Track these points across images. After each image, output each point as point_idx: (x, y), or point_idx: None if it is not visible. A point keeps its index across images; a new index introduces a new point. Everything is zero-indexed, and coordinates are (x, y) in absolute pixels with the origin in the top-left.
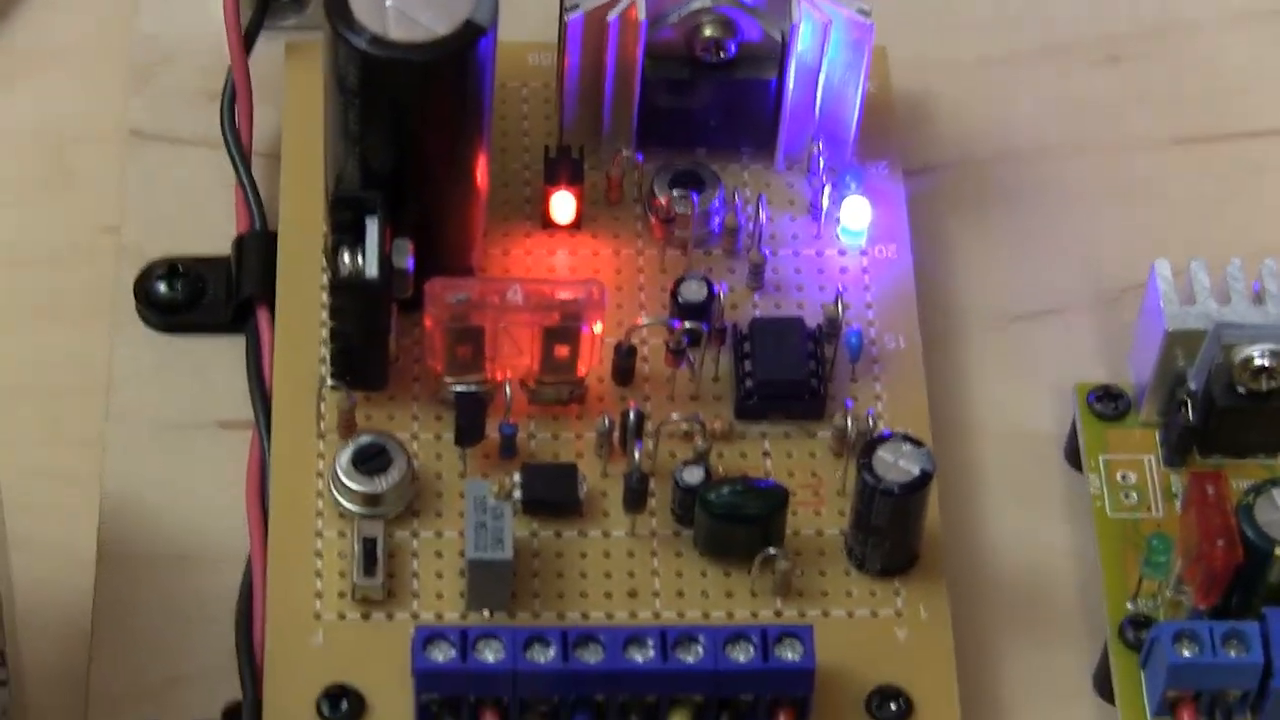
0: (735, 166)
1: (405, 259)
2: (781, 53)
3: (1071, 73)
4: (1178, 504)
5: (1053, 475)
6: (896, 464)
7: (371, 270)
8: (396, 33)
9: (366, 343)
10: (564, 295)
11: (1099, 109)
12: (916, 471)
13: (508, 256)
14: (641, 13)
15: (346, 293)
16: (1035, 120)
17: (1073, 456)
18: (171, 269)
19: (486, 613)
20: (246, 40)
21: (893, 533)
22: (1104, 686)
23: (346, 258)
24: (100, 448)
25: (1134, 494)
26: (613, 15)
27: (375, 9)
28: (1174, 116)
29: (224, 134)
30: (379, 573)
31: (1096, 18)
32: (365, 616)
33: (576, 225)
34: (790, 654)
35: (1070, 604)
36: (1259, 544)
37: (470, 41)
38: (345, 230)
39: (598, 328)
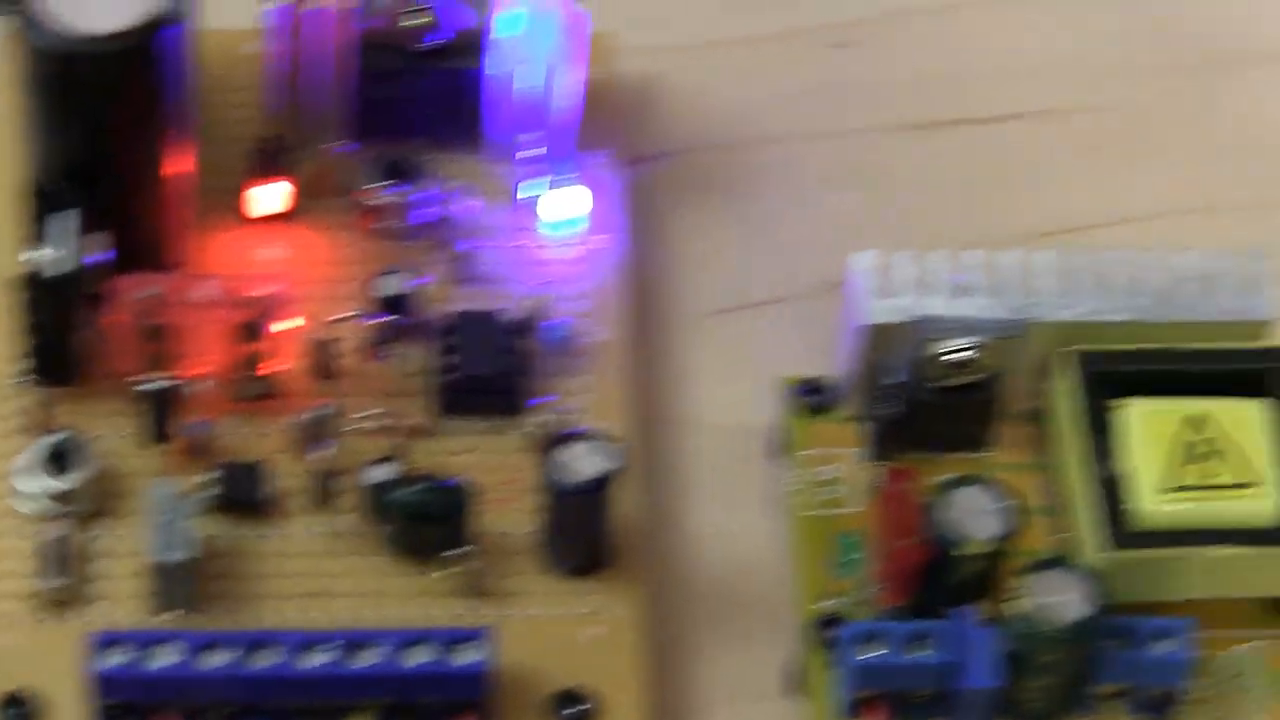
0: (447, 157)
1: (100, 253)
2: (489, 40)
3: (802, 58)
4: (873, 497)
5: (759, 470)
6: (580, 462)
7: (65, 265)
8: (82, 24)
9: (58, 338)
10: (255, 292)
11: (828, 95)
12: (599, 469)
13: (214, 250)
14: (345, 2)
15: (38, 287)
16: (763, 107)
17: (778, 450)
18: None
19: (173, 615)
20: None
21: (579, 531)
22: (797, 685)
23: (39, 251)
24: None
25: (831, 490)
26: (314, 5)
27: (62, 3)
28: (904, 102)
29: None
30: (65, 574)
31: (828, 1)
32: (50, 620)
33: (286, 217)
34: (469, 656)
35: (768, 602)
36: (943, 542)
37: (158, 34)
38: (40, 222)
39: (289, 325)
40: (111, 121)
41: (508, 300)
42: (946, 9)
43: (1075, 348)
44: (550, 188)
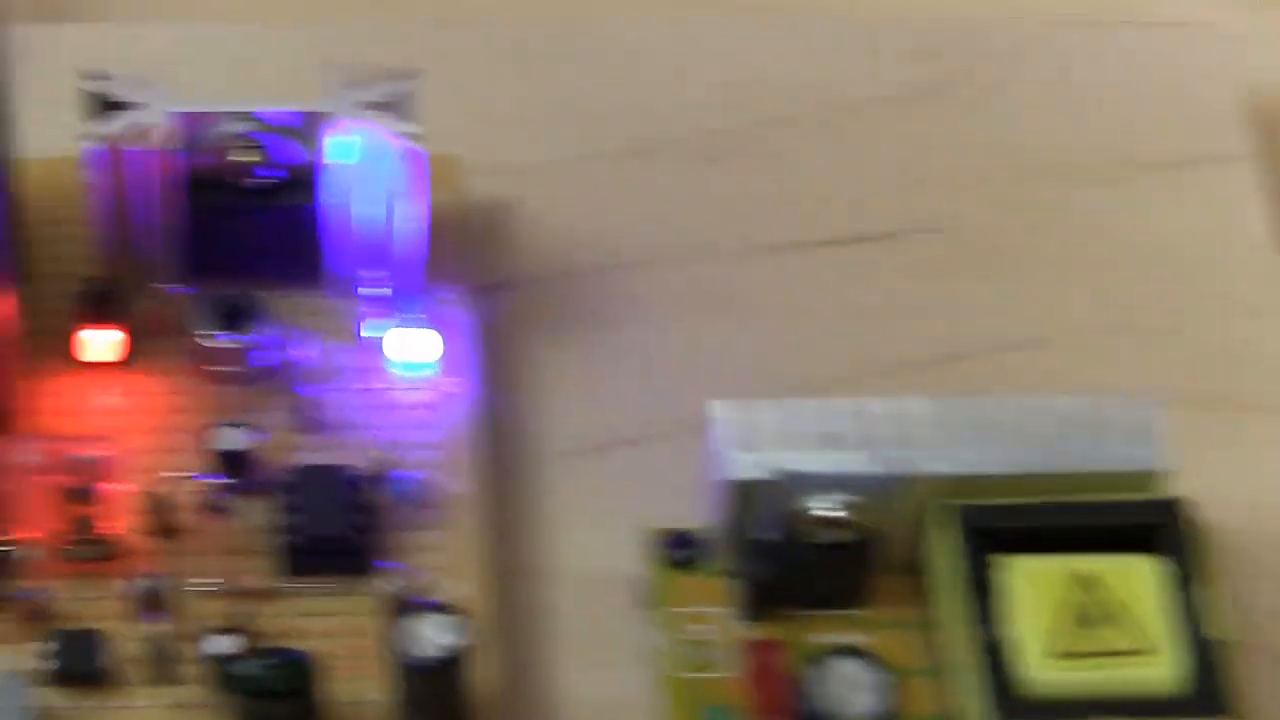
0: (286, 297)
1: None
2: (323, 177)
3: (663, 174)
4: (745, 666)
5: (625, 624)
6: (428, 635)
7: None
8: None
9: None
10: (85, 452)
11: (691, 214)
12: (448, 644)
13: (44, 398)
14: (167, 140)
15: None
16: (620, 227)
17: (644, 604)
18: None
19: None
20: None
21: (432, 706)
22: None
23: None
24: None
25: (701, 651)
26: (133, 144)
27: None
28: (771, 221)
29: None
30: None
31: (692, 113)
32: None
33: (118, 362)
34: None
35: None
36: (816, 718)
37: None
38: None
39: (124, 484)
40: None
41: (354, 450)
42: (820, 118)
43: (954, 501)
44: (397, 326)
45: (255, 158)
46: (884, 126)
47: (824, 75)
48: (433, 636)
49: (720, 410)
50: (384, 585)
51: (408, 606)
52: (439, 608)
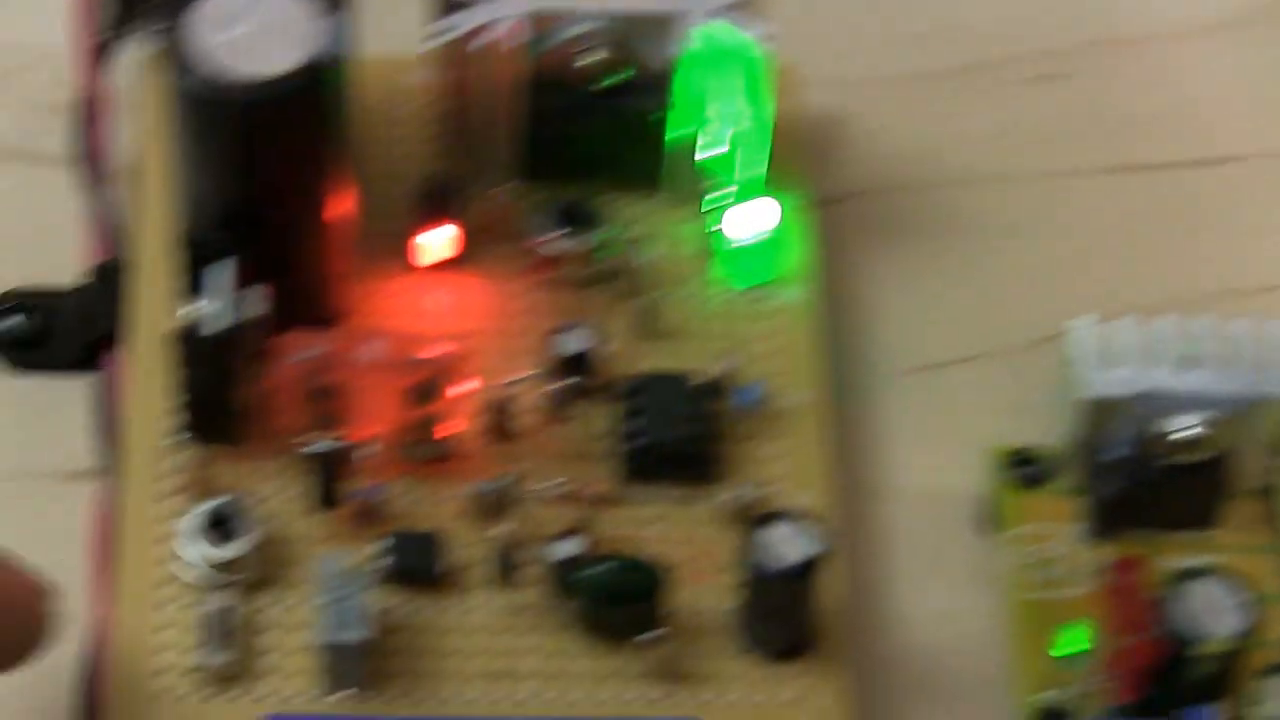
0: (624, 201)
1: (258, 308)
2: (669, 81)
3: (1001, 92)
4: (1097, 583)
5: (967, 543)
6: (785, 545)
7: (220, 321)
8: (237, 70)
9: (218, 396)
10: (427, 352)
11: (1029, 133)
12: (806, 554)
13: (377, 298)
14: (519, 38)
15: (193, 344)
16: (959, 145)
17: (989, 523)
18: (20, 302)
19: (343, 695)
20: (109, 45)
21: (784, 616)
22: None
23: (195, 305)
24: None
25: (1050, 570)
26: (486, 40)
27: (215, 44)
28: (1112, 142)
29: (77, 154)
30: (228, 649)
31: (1030, 31)
32: (212, 697)
33: (452, 264)
34: None
35: (983, 690)
36: (1177, 638)
37: (316, 78)
38: (195, 274)
39: (466, 386)
40: (271, 167)
41: (697, 358)
42: (1158, 40)
43: None
44: (737, 233)
45: (602, 58)
46: (1227, 51)
47: None
48: (788, 545)
49: (1079, 327)
50: (727, 494)
51: (763, 515)
52: (793, 517)
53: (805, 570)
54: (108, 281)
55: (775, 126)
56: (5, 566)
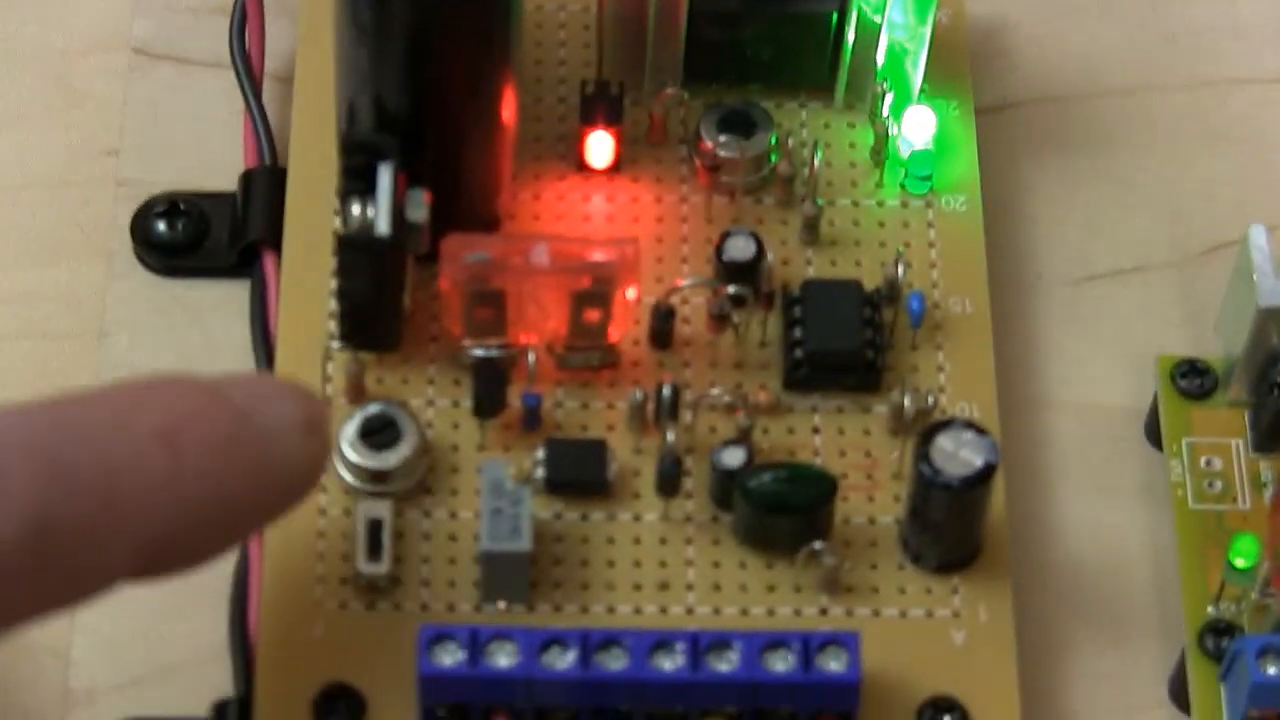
0: (790, 106)
1: (420, 212)
2: None
3: (1166, 3)
4: (1267, 495)
5: (1131, 456)
6: (957, 454)
7: (382, 226)
8: None
9: (377, 302)
10: (595, 257)
11: (1194, 40)
12: (979, 464)
13: (539, 202)
14: None
15: (354, 249)
16: (1122, 53)
17: (1154, 436)
18: (172, 206)
19: (504, 605)
20: None
21: (951, 528)
22: (1181, 698)
23: (355, 209)
24: None
25: (1219, 482)
26: None
27: None
28: (1275, 52)
29: (232, 57)
30: (385, 558)
31: None
32: (370, 606)
33: (615, 168)
34: (834, 664)
35: (1147, 604)
36: None
37: None
38: (356, 177)
39: (631, 292)
40: (439, 68)
41: (860, 266)
42: None
43: None
44: (903, 140)
45: None
46: None
47: None
48: (960, 456)
49: (1254, 236)
50: (892, 404)
51: (932, 426)
52: (965, 426)
53: (976, 482)
54: (263, 186)
55: (938, 34)
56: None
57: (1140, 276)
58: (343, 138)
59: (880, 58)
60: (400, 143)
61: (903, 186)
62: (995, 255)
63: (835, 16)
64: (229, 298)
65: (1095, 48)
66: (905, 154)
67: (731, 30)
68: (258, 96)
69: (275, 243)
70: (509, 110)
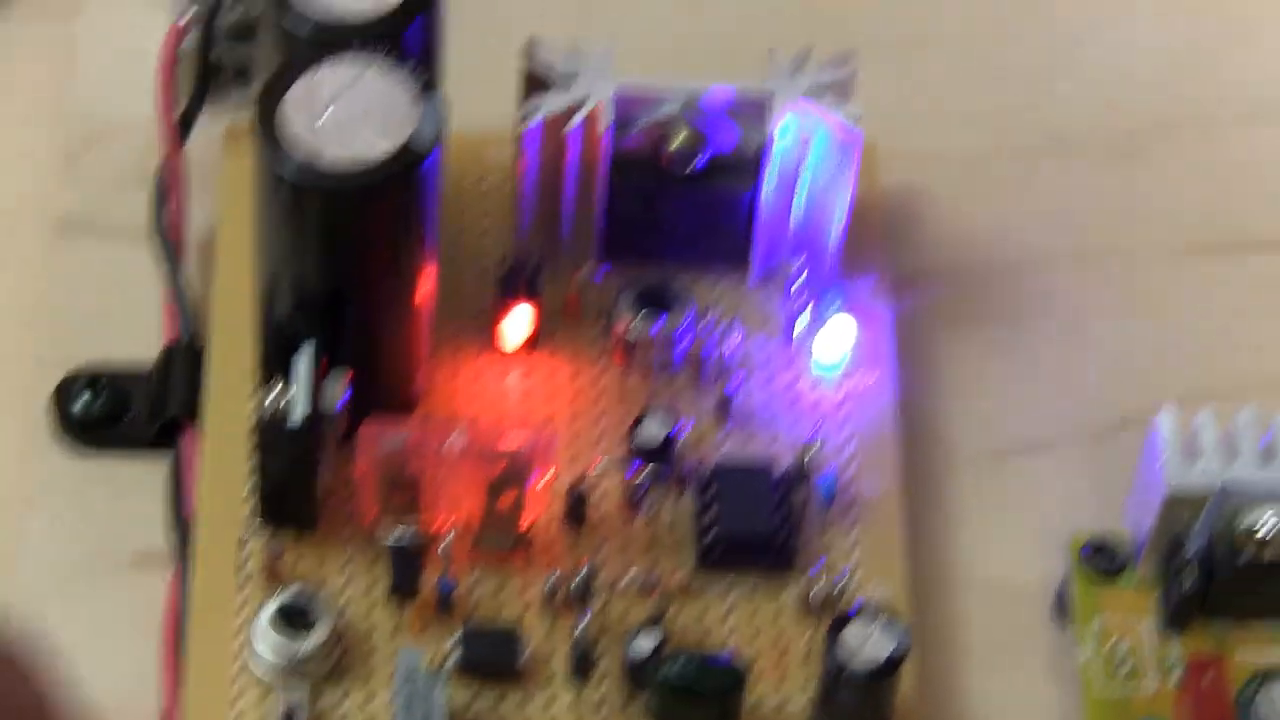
0: (707, 282)
1: (338, 396)
2: (757, 163)
3: (1080, 171)
4: (1174, 678)
5: (1042, 635)
6: (865, 646)
7: (300, 409)
8: (331, 154)
9: (295, 483)
10: (509, 444)
11: (1109, 212)
12: (887, 654)
13: (456, 379)
14: (605, 121)
15: (272, 432)
16: (1037, 224)
17: (1063, 614)
18: (92, 380)
19: None
20: (185, 121)
21: (861, 714)
22: None
23: (275, 391)
24: (4, 578)
25: (1128, 663)
26: (573, 124)
27: (309, 126)
28: (1192, 222)
29: (154, 230)
30: None
31: (1109, 109)
32: None
33: (532, 345)
34: None
35: None
36: None
37: (412, 164)
38: (275, 359)
39: (545, 475)
40: (358, 251)
41: (774, 445)
42: (1235, 119)
43: None
44: (817, 319)
45: (689, 140)
46: None
47: (1246, 72)
48: (872, 642)
49: (1160, 418)
50: (805, 585)
51: (842, 615)
52: (875, 612)
53: (884, 673)
54: (183, 361)
55: (856, 205)
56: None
57: (1053, 451)
58: (262, 320)
59: (795, 234)
60: (319, 324)
61: (816, 364)
62: (908, 430)
63: (751, 194)
64: (148, 473)
65: (1011, 219)
66: (823, 358)
67: (648, 207)
68: (178, 270)
69: (195, 418)
70: (427, 291)
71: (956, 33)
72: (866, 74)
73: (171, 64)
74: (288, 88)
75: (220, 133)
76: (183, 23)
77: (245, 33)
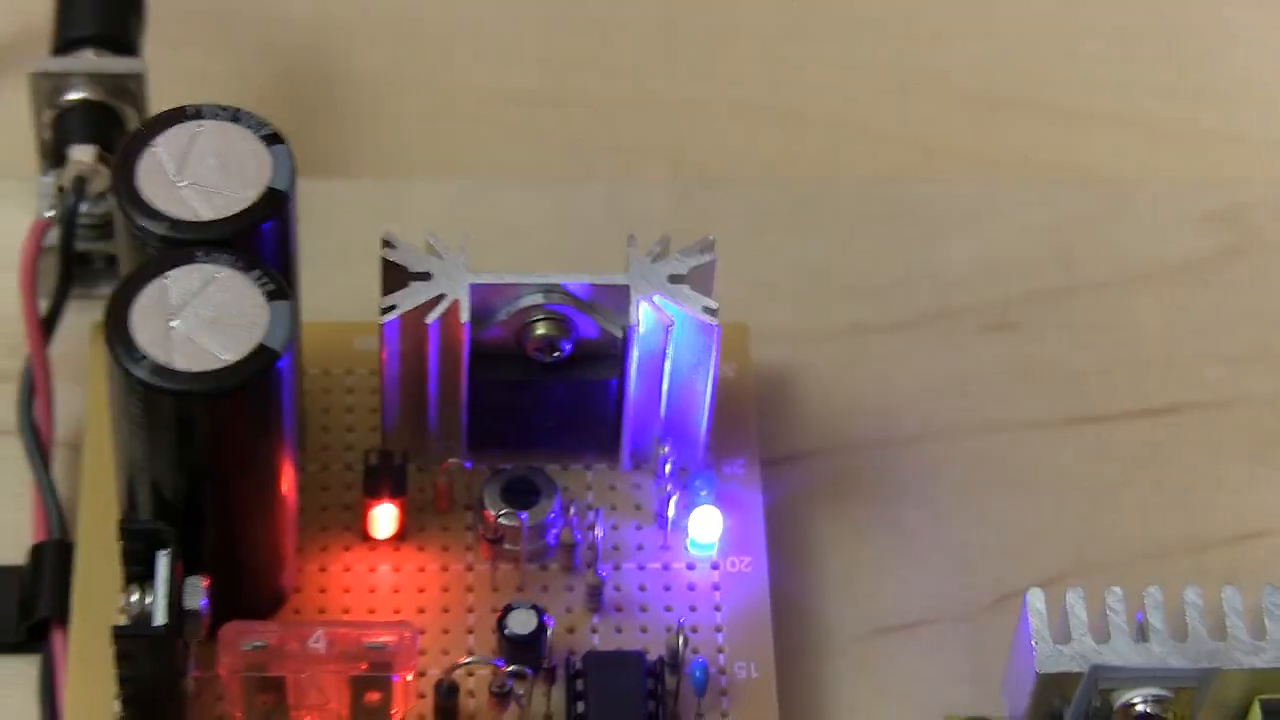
0: (576, 470)
1: (198, 600)
2: (621, 352)
3: (957, 343)
4: None
5: None
6: None
7: (159, 616)
8: (181, 360)
9: (158, 690)
10: (372, 642)
11: (985, 384)
12: None
13: (325, 574)
14: (464, 314)
15: (130, 639)
16: (912, 400)
17: None
18: None
19: None
20: (50, 318)
21: None
22: None
23: (134, 597)
24: None
25: None
26: (432, 317)
27: (159, 332)
28: (1070, 393)
29: (20, 428)
30: None
31: (982, 282)
32: None
33: (400, 538)
34: None
35: None
36: None
37: (264, 368)
38: (135, 565)
39: (410, 675)
40: (215, 459)
41: (647, 633)
42: (1111, 287)
43: (1269, 697)
44: (686, 505)
45: (552, 329)
46: (1178, 295)
47: (1117, 241)
48: None
49: (1033, 600)
50: None
51: None
52: None
53: None
54: (52, 559)
55: (723, 386)
56: None
57: (929, 630)
58: (120, 526)
59: (663, 420)
60: (179, 529)
61: (688, 548)
62: (782, 612)
63: (617, 381)
64: (19, 674)
65: (886, 395)
66: (695, 543)
67: (513, 398)
68: (46, 467)
69: (65, 619)
70: (289, 490)
71: (833, 208)
72: (736, 250)
73: (33, 261)
74: (137, 293)
75: (89, 324)
76: (46, 218)
77: (110, 226)
